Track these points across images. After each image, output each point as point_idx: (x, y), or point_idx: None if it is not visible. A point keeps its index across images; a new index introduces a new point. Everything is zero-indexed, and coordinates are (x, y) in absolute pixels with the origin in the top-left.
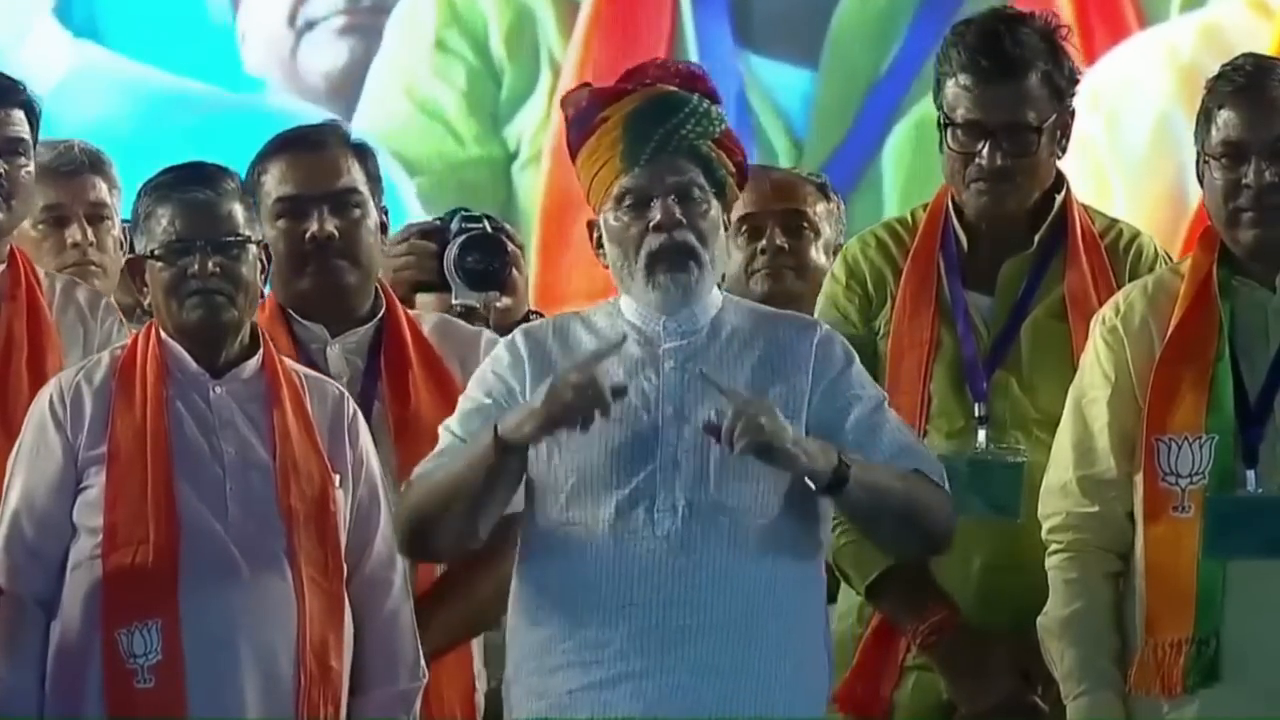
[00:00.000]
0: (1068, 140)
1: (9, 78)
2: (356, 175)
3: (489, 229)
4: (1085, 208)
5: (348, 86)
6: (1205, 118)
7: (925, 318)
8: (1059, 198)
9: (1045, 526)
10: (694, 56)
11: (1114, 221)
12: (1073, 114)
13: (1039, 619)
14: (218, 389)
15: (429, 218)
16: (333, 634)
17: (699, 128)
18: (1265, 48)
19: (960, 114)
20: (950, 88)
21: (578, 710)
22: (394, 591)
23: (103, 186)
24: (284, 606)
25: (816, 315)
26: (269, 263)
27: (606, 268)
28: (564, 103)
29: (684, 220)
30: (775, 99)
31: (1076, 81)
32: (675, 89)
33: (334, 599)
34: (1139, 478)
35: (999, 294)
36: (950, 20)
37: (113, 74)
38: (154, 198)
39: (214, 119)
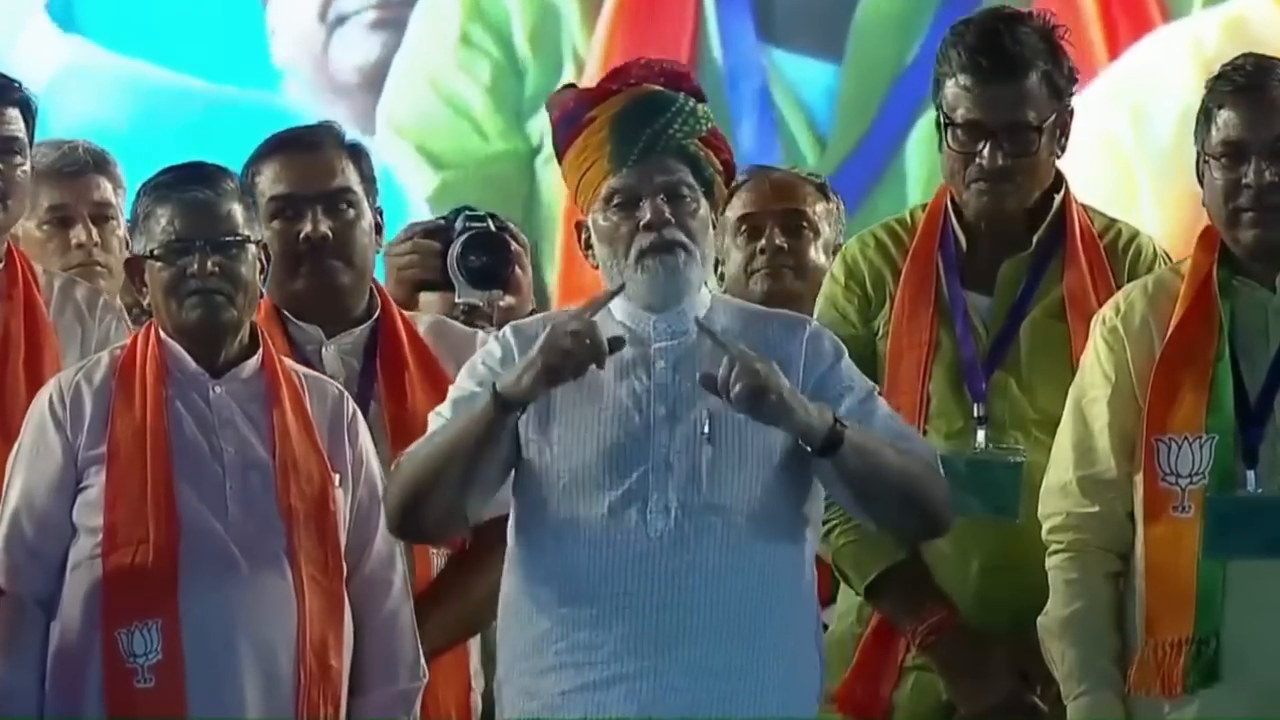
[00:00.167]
0: (1067, 139)
1: (4, 76)
2: (351, 176)
3: (492, 227)
4: (1084, 207)
5: (379, 80)
6: (1205, 118)
7: (924, 318)
8: (1058, 198)
9: (1045, 527)
10: (717, 51)
11: (1112, 221)
12: (1071, 113)
13: (1039, 619)
14: (217, 388)
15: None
16: (333, 633)
17: (686, 127)
18: None
19: (960, 114)
20: (950, 88)
21: (571, 711)
22: (394, 591)
23: (107, 186)
24: (284, 606)
25: (816, 315)
26: (268, 263)
27: (595, 268)
28: (549, 104)
29: (673, 219)
30: (798, 93)
31: (1075, 81)
32: (661, 88)
33: (334, 598)
34: (1139, 478)
35: (998, 294)
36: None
37: (105, 70)
38: (153, 198)
39: (209, 115)
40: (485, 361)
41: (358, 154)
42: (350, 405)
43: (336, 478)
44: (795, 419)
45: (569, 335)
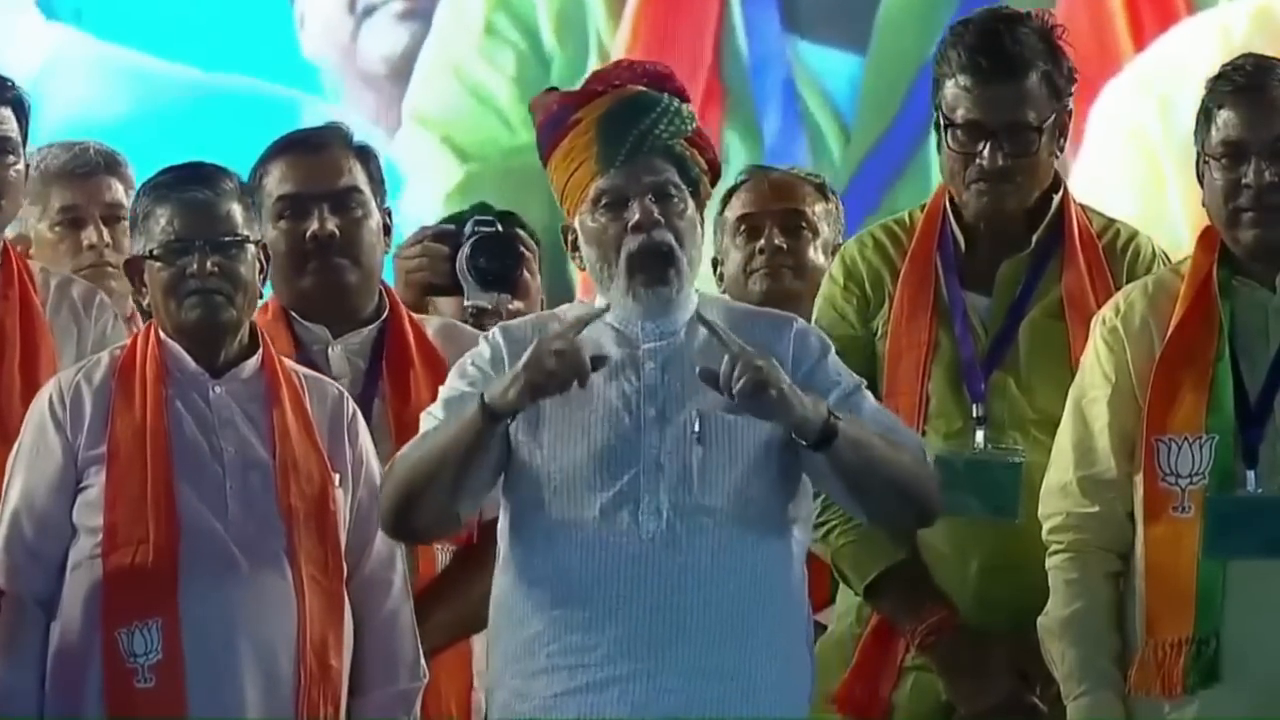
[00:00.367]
0: (1066, 139)
1: None
2: (358, 176)
3: (501, 229)
4: (1083, 207)
5: (407, 71)
6: (1205, 118)
7: (923, 319)
8: (1056, 198)
9: (1045, 527)
10: (741, 42)
11: (1111, 221)
12: (1070, 113)
13: (1039, 619)
14: (217, 388)
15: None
16: (333, 633)
17: (672, 127)
18: None
19: (960, 114)
20: (950, 88)
21: (564, 713)
22: (394, 591)
23: (119, 187)
24: (284, 605)
25: (815, 315)
26: (268, 263)
27: (583, 269)
28: (533, 107)
29: (662, 220)
30: (823, 84)
31: (1074, 80)
32: (645, 89)
33: (334, 598)
34: (1139, 478)
35: (996, 294)
36: (998, 4)
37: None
38: (152, 198)
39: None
40: (475, 362)
41: (366, 155)
42: (350, 405)
43: (336, 478)
44: (794, 413)
45: (553, 355)
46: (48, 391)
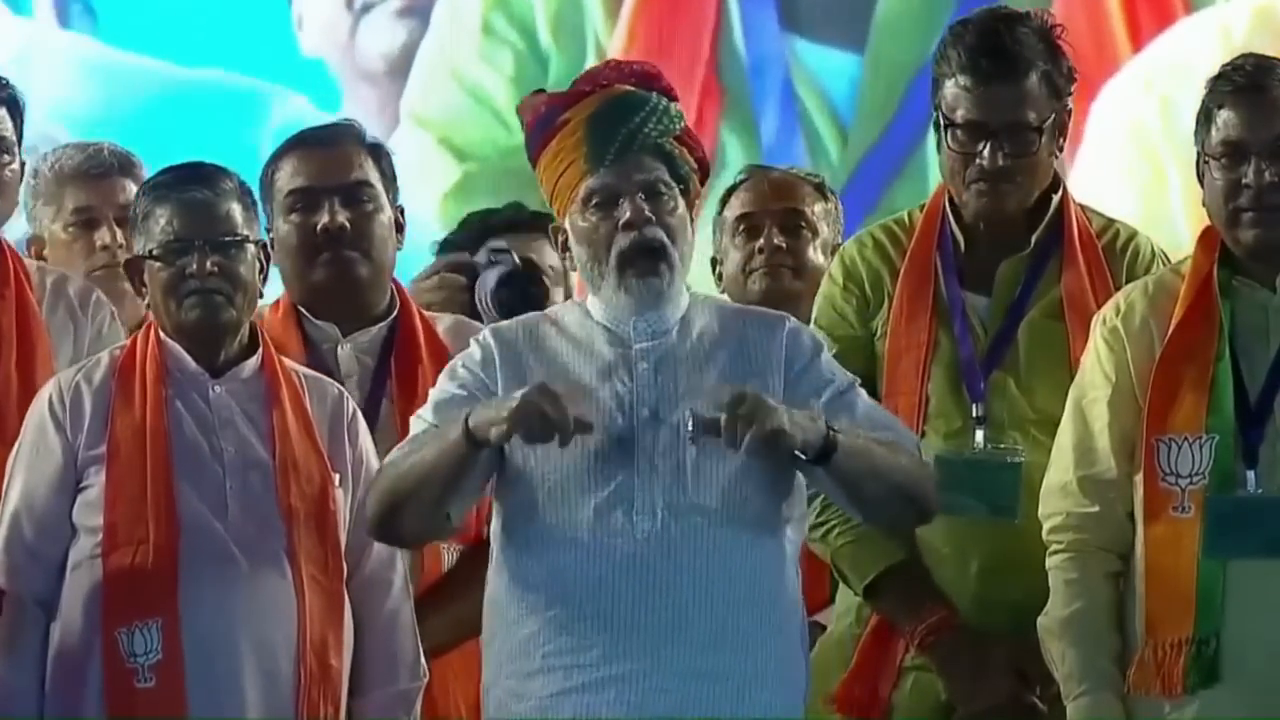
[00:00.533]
0: (1065, 139)
1: None
2: (370, 171)
3: (518, 260)
4: (1082, 207)
5: (405, 68)
6: (1205, 118)
7: (922, 319)
8: (1055, 198)
9: (1046, 527)
10: (739, 42)
11: (1111, 221)
12: (1069, 113)
13: (1039, 619)
14: (217, 388)
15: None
16: (333, 633)
17: (660, 125)
18: None
19: (960, 114)
20: (949, 88)
21: (560, 713)
22: (394, 591)
23: (132, 189)
24: (284, 605)
25: (814, 315)
26: (268, 263)
27: (574, 270)
28: (521, 108)
29: (653, 217)
30: (821, 84)
31: (1074, 80)
32: (633, 88)
33: (334, 598)
34: (1139, 478)
35: (996, 294)
36: (996, 4)
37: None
38: (152, 198)
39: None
40: (465, 364)
41: (378, 152)
42: (350, 405)
43: (336, 477)
44: (796, 444)
45: (540, 417)
46: (48, 392)
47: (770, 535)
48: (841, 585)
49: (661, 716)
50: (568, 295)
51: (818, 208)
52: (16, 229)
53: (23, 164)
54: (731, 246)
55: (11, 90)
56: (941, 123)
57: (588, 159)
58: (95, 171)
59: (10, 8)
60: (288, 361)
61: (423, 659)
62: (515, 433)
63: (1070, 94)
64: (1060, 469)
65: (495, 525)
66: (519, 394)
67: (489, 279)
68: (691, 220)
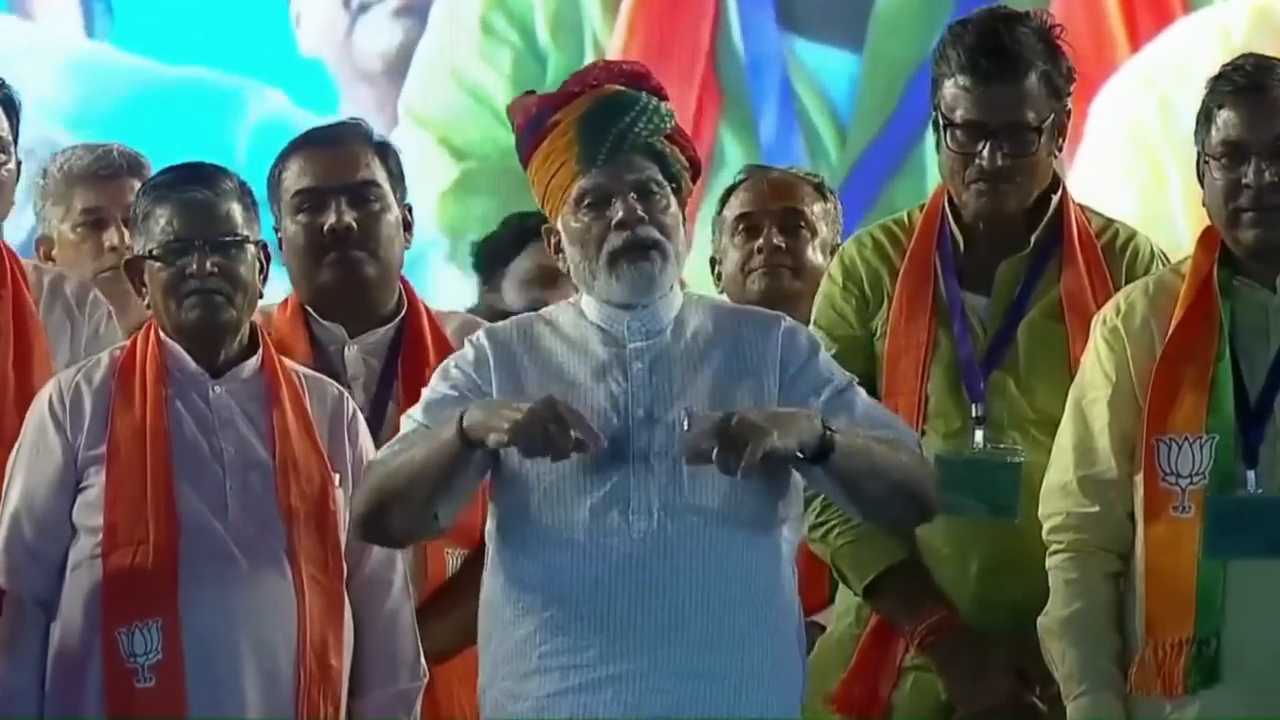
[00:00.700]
0: (1065, 139)
1: None
2: (376, 170)
3: None
4: (1082, 207)
5: (403, 67)
6: (1205, 118)
7: (922, 319)
8: (1055, 198)
9: (1046, 527)
10: (738, 40)
11: (1110, 221)
12: (1069, 113)
13: (1039, 619)
14: (217, 388)
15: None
16: (333, 633)
17: (651, 124)
18: None
19: (960, 114)
20: (949, 88)
21: (557, 713)
22: (394, 591)
23: None
24: (284, 605)
25: (814, 316)
26: (268, 263)
27: (567, 273)
28: (511, 110)
29: (645, 217)
30: (819, 82)
31: (1074, 80)
32: (623, 88)
33: (334, 598)
34: (1139, 478)
35: (995, 294)
36: (996, 3)
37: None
38: (152, 198)
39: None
40: (458, 364)
41: (385, 151)
42: (350, 405)
43: (336, 478)
44: (792, 446)
45: (543, 433)
46: (48, 392)
47: (766, 535)
48: (841, 585)
49: (658, 716)
50: None
51: (817, 208)
52: (16, 229)
53: (19, 163)
54: (731, 246)
55: (7, 90)
56: (941, 122)
57: (579, 160)
58: (104, 172)
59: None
60: (288, 361)
61: (423, 659)
62: (514, 445)
63: (1070, 94)
64: (1060, 469)
65: (490, 526)
66: (525, 406)
67: None
68: (684, 219)
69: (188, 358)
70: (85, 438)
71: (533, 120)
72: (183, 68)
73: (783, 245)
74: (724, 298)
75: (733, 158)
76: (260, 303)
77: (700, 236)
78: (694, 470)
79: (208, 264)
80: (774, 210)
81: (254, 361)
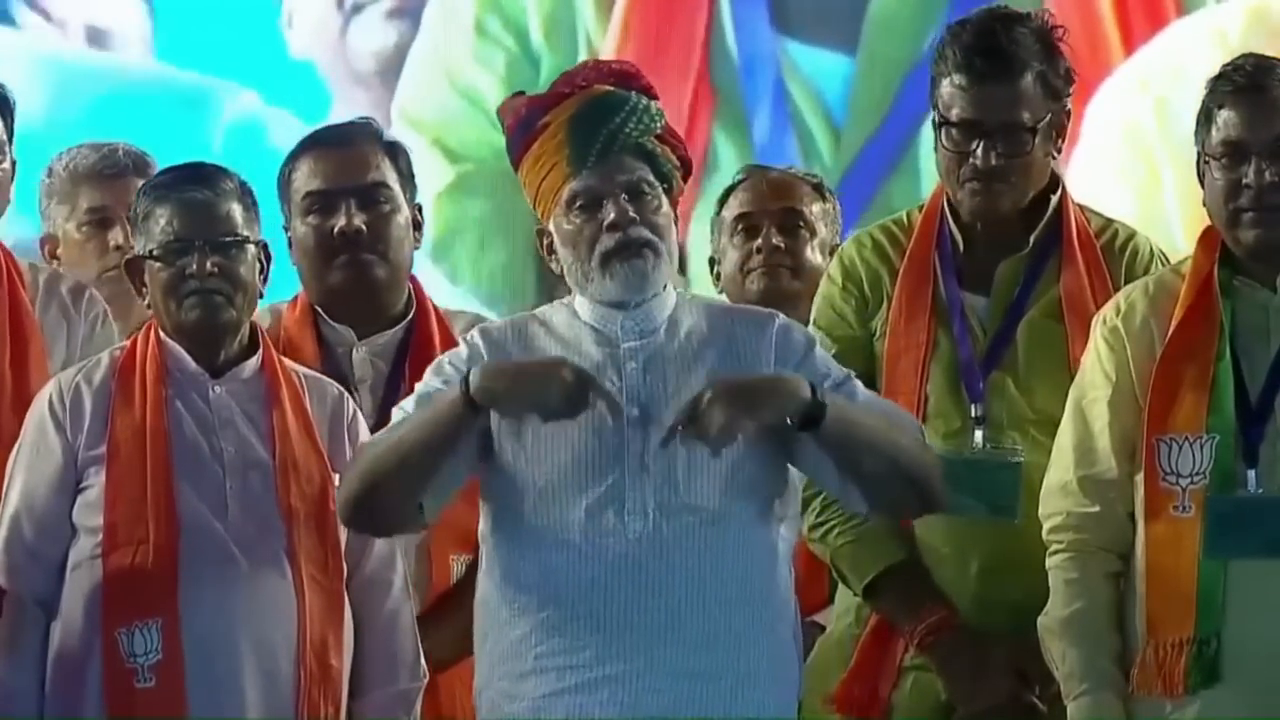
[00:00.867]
0: (1063, 140)
1: None
2: (386, 171)
3: None
4: (1081, 207)
5: (397, 68)
6: (1205, 118)
7: (921, 319)
8: (1054, 198)
9: (1046, 527)
10: (731, 42)
11: (1109, 221)
12: (1068, 113)
13: (1040, 619)
14: (217, 389)
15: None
16: (333, 633)
17: (641, 125)
18: None
19: (955, 113)
20: (945, 87)
21: (553, 713)
22: (394, 591)
23: None
24: (284, 605)
25: (813, 316)
26: (268, 263)
27: (560, 275)
28: (501, 112)
29: (637, 217)
30: (813, 85)
31: (1072, 81)
32: (612, 89)
33: (334, 598)
34: (1139, 478)
35: (995, 295)
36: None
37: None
38: (152, 198)
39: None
40: (452, 361)
41: (395, 151)
42: (350, 405)
43: (336, 478)
44: (778, 414)
45: (563, 397)
46: (48, 392)
47: (763, 534)
48: (841, 585)
49: (655, 716)
50: None
51: (816, 208)
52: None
53: (14, 162)
54: (730, 246)
55: (2, 90)
56: (937, 121)
57: (570, 161)
58: (109, 172)
59: None
60: (288, 361)
61: (422, 659)
62: (527, 405)
63: (1069, 95)
64: (1060, 469)
65: (484, 527)
66: (539, 360)
67: None
68: (676, 218)
69: (188, 358)
70: (85, 438)
71: (523, 122)
72: (166, 67)
73: (782, 245)
74: (723, 298)
75: (726, 159)
76: (268, 301)
77: (700, 237)
78: (691, 471)
79: (208, 264)
80: (773, 210)
81: (254, 361)
